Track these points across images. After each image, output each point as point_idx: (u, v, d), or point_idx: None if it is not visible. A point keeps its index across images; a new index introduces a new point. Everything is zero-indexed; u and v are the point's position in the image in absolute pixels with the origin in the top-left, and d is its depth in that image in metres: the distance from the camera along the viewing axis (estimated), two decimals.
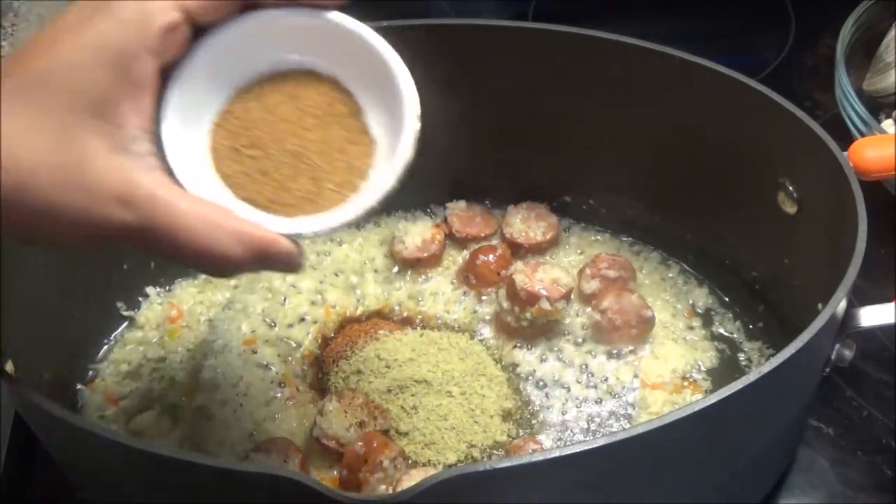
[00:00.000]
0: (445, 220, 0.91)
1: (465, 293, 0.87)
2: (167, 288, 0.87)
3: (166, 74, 0.55)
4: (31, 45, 0.52)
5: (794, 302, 0.78)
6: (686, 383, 0.80)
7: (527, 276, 0.80)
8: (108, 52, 0.51)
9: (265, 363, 0.82)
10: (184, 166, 0.55)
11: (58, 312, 0.79)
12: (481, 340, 0.83)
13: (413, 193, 0.92)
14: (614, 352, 0.82)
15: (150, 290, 0.87)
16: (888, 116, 0.94)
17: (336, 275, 0.88)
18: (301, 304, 0.86)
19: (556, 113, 0.85)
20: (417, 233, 0.88)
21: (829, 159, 0.71)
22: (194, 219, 0.52)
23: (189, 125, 0.57)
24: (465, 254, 0.89)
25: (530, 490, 0.58)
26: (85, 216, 0.51)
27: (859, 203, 0.67)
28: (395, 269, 0.88)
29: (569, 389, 0.80)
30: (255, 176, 0.57)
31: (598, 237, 0.91)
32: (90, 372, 0.82)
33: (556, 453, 0.56)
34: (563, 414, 0.78)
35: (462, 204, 0.91)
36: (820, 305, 0.63)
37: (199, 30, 0.56)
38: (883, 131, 0.89)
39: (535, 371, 0.81)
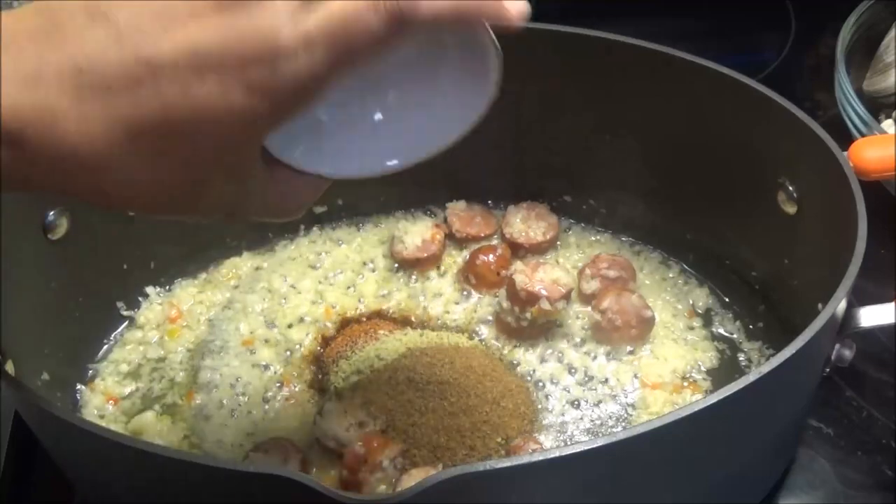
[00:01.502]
0: (445, 220, 0.91)
1: (465, 293, 0.87)
2: (167, 288, 0.88)
3: None
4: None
5: (794, 302, 0.79)
6: (686, 383, 0.80)
7: (527, 276, 0.80)
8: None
9: (265, 363, 0.82)
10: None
11: (58, 312, 0.79)
12: (481, 340, 0.83)
13: (413, 193, 0.92)
14: (614, 352, 0.82)
15: (150, 290, 0.87)
16: (888, 116, 0.94)
17: (336, 275, 0.88)
18: (301, 304, 0.86)
19: (555, 113, 0.85)
20: (417, 233, 0.88)
21: (829, 159, 0.71)
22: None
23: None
24: (465, 254, 0.89)
25: (530, 490, 0.58)
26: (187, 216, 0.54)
27: (859, 203, 0.67)
28: (395, 269, 0.88)
29: (569, 390, 0.80)
30: None
31: (598, 237, 0.91)
32: (90, 372, 0.82)
33: (556, 453, 0.56)
34: (563, 414, 0.78)
35: (462, 204, 0.91)
36: (820, 305, 0.63)
37: None
38: (883, 131, 0.89)
39: (535, 371, 0.81)
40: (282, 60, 0.48)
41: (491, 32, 0.54)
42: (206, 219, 0.55)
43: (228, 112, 0.48)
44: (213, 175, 0.51)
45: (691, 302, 0.86)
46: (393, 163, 0.58)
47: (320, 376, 0.81)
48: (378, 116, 0.58)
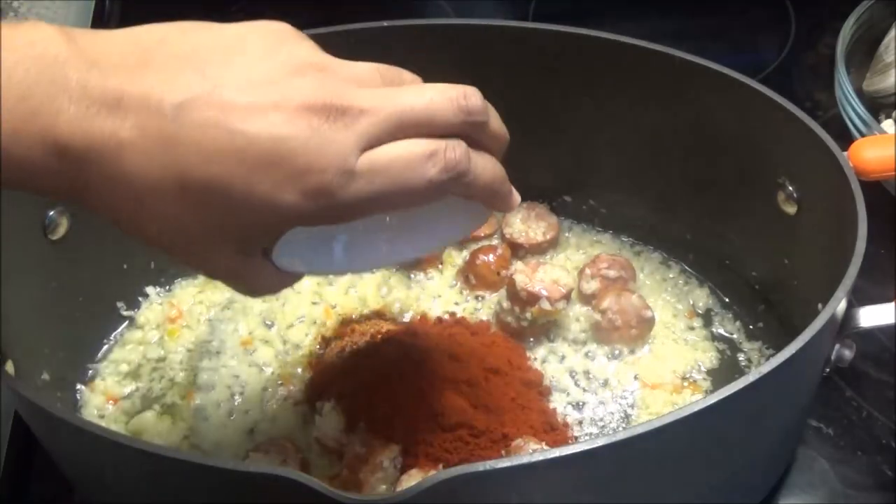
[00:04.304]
0: None
1: (465, 293, 0.87)
2: (167, 288, 0.87)
3: None
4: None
5: (794, 302, 0.79)
6: (686, 383, 0.80)
7: (527, 276, 0.80)
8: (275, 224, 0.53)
9: (264, 363, 0.82)
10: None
11: (58, 312, 0.79)
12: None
13: None
14: (614, 352, 0.82)
15: (150, 290, 0.87)
16: (888, 116, 0.94)
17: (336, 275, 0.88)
18: (301, 305, 0.86)
19: (556, 113, 0.85)
20: None
21: (829, 159, 0.71)
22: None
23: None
24: (465, 254, 0.89)
25: (530, 490, 0.58)
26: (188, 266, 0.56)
27: (859, 203, 0.67)
28: (395, 269, 0.88)
29: (568, 390, 0.80)
30: None
31: (598, 237, 0.91)
32: (90, 372, 0.82)
33: (556, 453, 0.56)
34: (564, 415, 0.78)
35: None
36: (820, 305, 0.63)
37: None
38: (883, 131, 0.89)
39: None
40: (344, 181, 0.51)
41: None
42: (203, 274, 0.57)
43: (276, 204, 0.51)
44: (223, 242, 0.53)
45: (691, 302, 0.86)
46: (374, 265, 0.64)
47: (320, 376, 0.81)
48: (380, 236, 0.61)
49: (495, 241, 0.90)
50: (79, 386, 0.81)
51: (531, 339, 0.82)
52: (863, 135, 0.89)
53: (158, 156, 0.49)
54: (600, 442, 0.56)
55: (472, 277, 0.86)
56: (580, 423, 0.78)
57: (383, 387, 0.75)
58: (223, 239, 0.53)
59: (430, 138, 0.54)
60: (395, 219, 0.61)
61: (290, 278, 0.59)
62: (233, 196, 0.50)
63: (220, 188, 0.50)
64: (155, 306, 0.86)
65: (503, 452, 0.73)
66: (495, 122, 0.59)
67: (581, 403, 0.79)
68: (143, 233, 0.53)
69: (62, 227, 0.77)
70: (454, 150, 0.54)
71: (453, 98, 0.55)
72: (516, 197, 0.62)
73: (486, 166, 0.58)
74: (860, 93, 0.95)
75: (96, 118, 0.48)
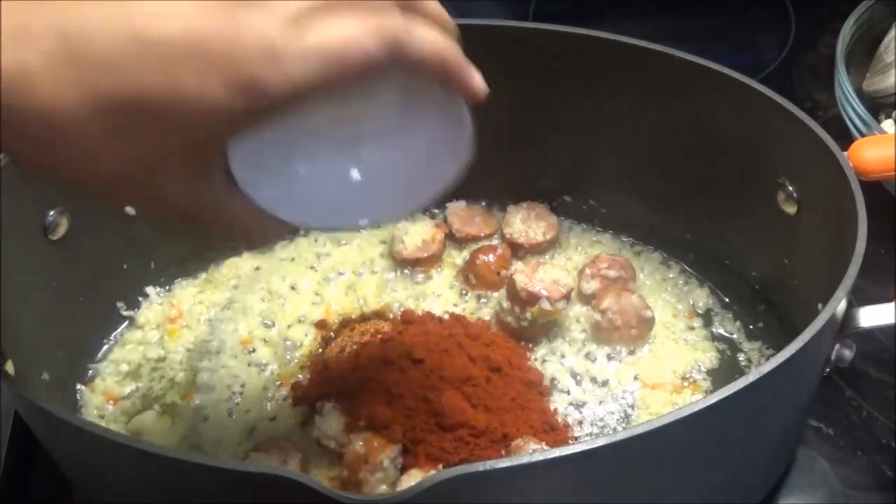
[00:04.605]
0: (445, 220, 0.91)
1: (465, 293, 0.87)
2: (167, 288, 0.88)
3: None
4: None
5: (794, 302, 0.79)
6: (686, 383, 0.80)
7: (527, 276, 0.80)
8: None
9: (264, 363, 0.82)
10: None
11: (58, 312, 0.79)
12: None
13: None
14: (614, 352, 0.82)
15: (150, 290, 0.87)
16: (888, 116, 0.94)
17: (336, 275, 0.88)
18: (301, 305, 0.86)
19: (556, 113, 0.85)
20: (417, 233, 0.88)
21: (829, 159, 0.71)
22: None
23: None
24: (465, 254, 0.89)
25: (530, 490, 0.58)
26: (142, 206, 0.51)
27: (859, 203, 0.67)
28: (395, 269, 0.88)
29: (569, 390, 0.80)
30: None
31: (598, 237, 0.91)
32: (90, 372, 0.82)
33: (556, 453, 0.56)
34: (564, 415, 0.78)
35: (462, 204, 0.91)
36: (820, 305, 0.63)
37: None
38: (883, 131, 0.89)
39: None
40: (272, 66, 0.48)
41: (465, 105, 0.56)
42: (162, 217, 0.53)
43: (203, 104, 0.48)
44: (170, 167, 0.50)
45: (691, 302, 0.86)
46: (363, 221, 0.60)
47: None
48: (355, 175, 0.58)
49: (495, 241, 0.90)
50: (79, 386, 0.81)
51: (531, 339, 0.82)
52: (863, 135, 0.89)
53: (71, 79, 0.47)
54: (600, 442, 0.56)
55: (472, 277, 0.86)
56: (580, 423, 0.78)
57: (383, 387, 0.75)
58: (163, 161, 0.50)
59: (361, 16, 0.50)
60: (365, 149, 0.57)
61: (275, 224, 0.56)
62: (156, 105, 0.47)
63: (139, 99, 0.47)
64: (155, 306, 0.86)
65: (503, 452, 0.73)
66: (433, 7, 0.55)
67: (581, 403, 0.79)
68: (80, 174, 0.49)
69: (62, 227, 0.77)
70: (389, 19, 0.50)
71: None
72: (477, 76, 0.55)
73: (430, 35, 0.52)
74: (860, 93, 0.95)
75: (2, 52, 0.46)
